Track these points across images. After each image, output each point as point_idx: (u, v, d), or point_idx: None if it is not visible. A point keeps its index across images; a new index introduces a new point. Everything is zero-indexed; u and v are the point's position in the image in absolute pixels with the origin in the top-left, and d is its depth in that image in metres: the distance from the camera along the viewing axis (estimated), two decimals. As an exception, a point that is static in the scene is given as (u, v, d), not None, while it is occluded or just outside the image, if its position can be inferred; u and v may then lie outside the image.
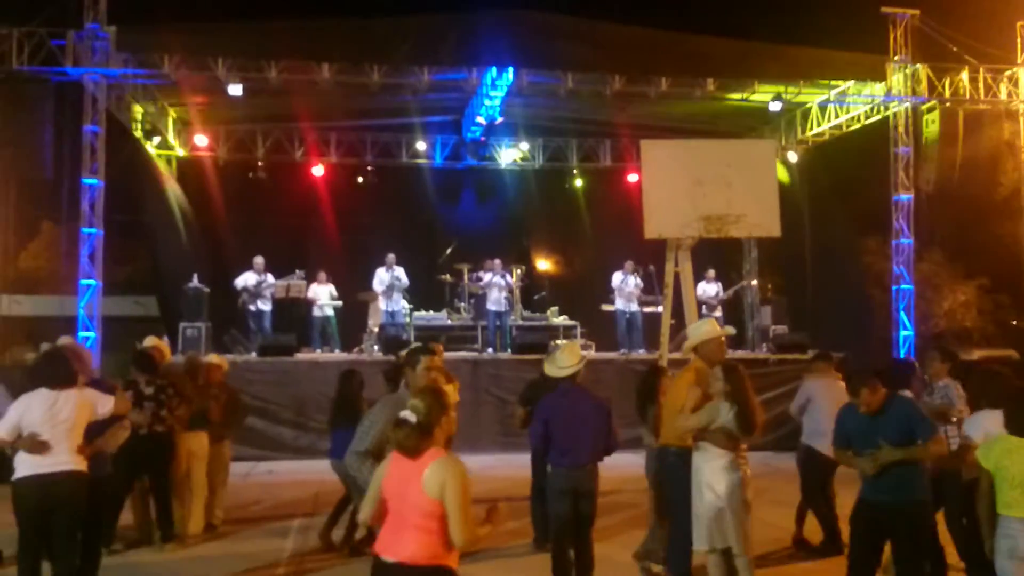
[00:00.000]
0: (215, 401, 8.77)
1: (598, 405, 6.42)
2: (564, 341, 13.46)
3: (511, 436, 12.07)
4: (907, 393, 6.66)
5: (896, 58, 15.81)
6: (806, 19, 19.82)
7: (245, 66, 14.53)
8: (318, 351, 15.66)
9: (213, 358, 9.56)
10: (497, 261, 15.85)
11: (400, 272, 15.73)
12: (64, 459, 5.64)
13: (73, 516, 5.75)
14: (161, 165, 17.34)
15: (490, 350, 15.29)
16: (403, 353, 6.05)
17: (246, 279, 15.35)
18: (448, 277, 16.91)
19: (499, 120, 16.68)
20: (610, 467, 6.73)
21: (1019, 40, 16.52)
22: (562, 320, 16.83)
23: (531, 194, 19.85)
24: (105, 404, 5.97)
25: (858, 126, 17.14)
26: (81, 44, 13.75)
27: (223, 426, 8.96)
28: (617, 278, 15.85)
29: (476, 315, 16.22)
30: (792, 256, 18.17)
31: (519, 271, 17.07)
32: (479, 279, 16.14)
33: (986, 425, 5.92)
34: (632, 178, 18.54)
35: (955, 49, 15.79)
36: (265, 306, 15.41)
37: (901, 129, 16.14)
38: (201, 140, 18.09)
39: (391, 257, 15.78)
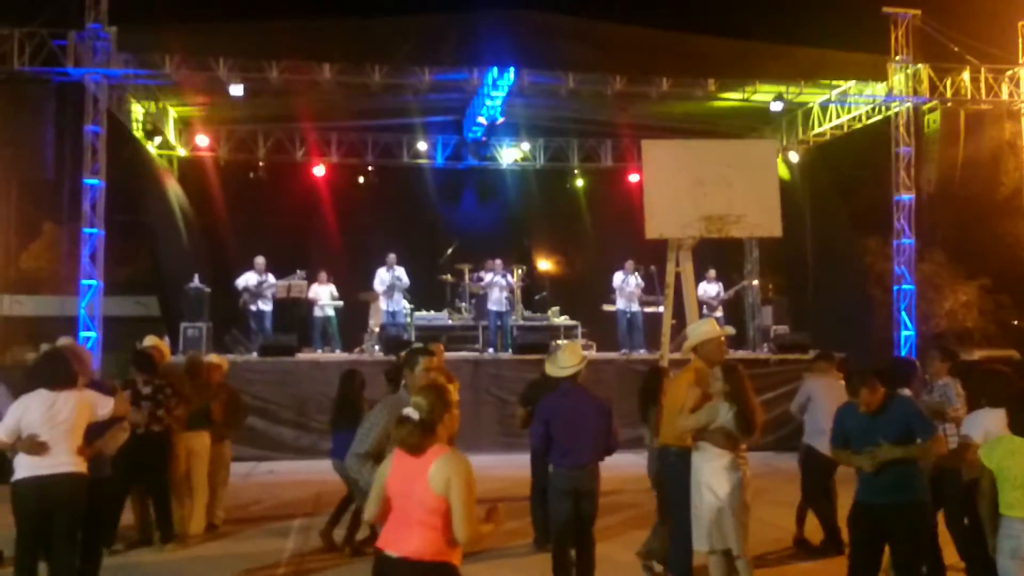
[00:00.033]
0: (217, 401, 8.78)
1: (599, 405, 6.41)
2: (565, 341, 13.46)
3: (512, 436, 12.08)
4: (906, 392, 6.67)
5: (897, 58, 15.81)
6: (807, 19, 19.83)
7: (246, 66, 14.54)
8: (319, 351, 15.66)
9: (213, 358, 9.57)
10: (498, 261, 15.85)
11: (401, 272, 15.73)
12: (64, 460, 5.62)
13: (73, 517, 5.73)
14: (162, 165, 17.34)
15: (491, 350, 15.29)
16: (403, 354, 6.04)
17: (247, 279, 15.36)
18: (449, 277, 16.91)
19: (500, 120, 16.68)
20: (611, 467, 6.73)
21: (1020, 40, 16.52)
22: (563, 320, 16.84)
23: (532, 194, 19.85)
24: (105, 406, 5.94)
25: (859, 126, 17.13)
26: (82, 44, 13.76)
27: (225, 426, 8.97)
28: (618, 278, 15.85)
29: (477, 315, 16.23)
30: (793, 256, 18.17)
31: (520, 271, 17.07)
32: (480, 279, 16.14)
33: (986, 424, 5.91)
34: (633, 178, 18.53)
35: (956, 49, 15.79)
36: (266, 306, 15.41)
37: (902, 129, 16.13)
38: (202, 140, 18.10)
39: (392, 257, 15.78)
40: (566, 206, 20.00)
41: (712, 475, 5.95)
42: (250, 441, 12.74)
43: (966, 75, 16.01)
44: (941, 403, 6.86)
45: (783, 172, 16.83)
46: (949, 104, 16.08)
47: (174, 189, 17.35)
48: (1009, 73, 16.26)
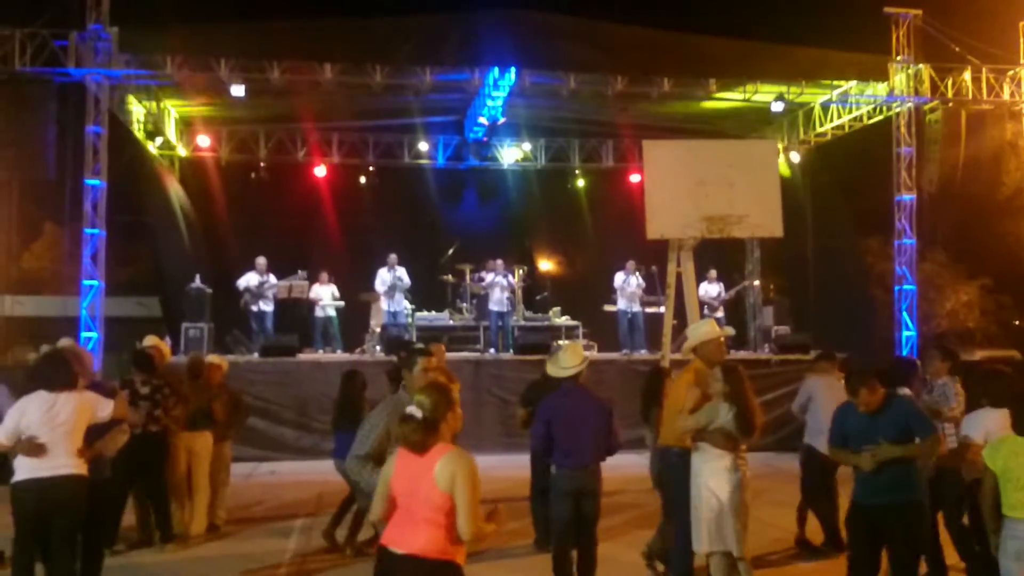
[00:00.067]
0: (218, 401, 8.79)
1: (600, 406, 6.42)
2: (566, 341, 13.47)
3: (513, 437, 12.08)
4: (905, 391, 6.68)
5: (899, 58, 15.80)
6: (808, 19, 19.80)
7: (247, 67, 14.54)
8: (320, 352, 15.67)
9: (213, 359, 9.57)
10: (499, 261, 15.84)
11: (402, 272, 15.72)
12: (63, 462, 5.60)
13: (72, 519, 5.72)
14: (163, 166, 17.35)
15: (492, 350, 15.29)
16: (402, 354, 6.05)
17: (248, 279, 15.36)
18: (450, 277, 16.92)
19: (501, 120, 16.71)
20: (613, 468, 6.73)
21: (1022, 40, 16.51)
22: (564, 320, 16.84)
23: (533, 195, 19.85)
24: (105, 408, 5.91)
25: (860, 126, 17.12)
26: (83, 45, 13.76)
27: (226, 426, 8.98)
28: (619, 278, 15.84)
29: (478, 315, 16.23)
30: (794, 256, 18.17)
31: (521, 271, 17.08)
32: (481, 279, 16.14)
33: (986, 424, 5.92)
34: (634, 178, 18.54)
35: (957, 49, 15.78)
36: (267, 306, 15.42)
37: (903, 129, 16.11)
38: (203, 141, 18.11)
39: (393, 257, 15.78)
40: (567, 206, 20.00)
41: (712, 476, 5.94)
42: (251, 442, 12.75)
43: (967, 75, 15.99)
44: (937, 402, 6.87)
45: (784, 172, 16.83)
46: (950, 104, 16.08)
47: (175, 189, 17.37)
48: (1010, 73, 16.23)
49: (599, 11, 18.00)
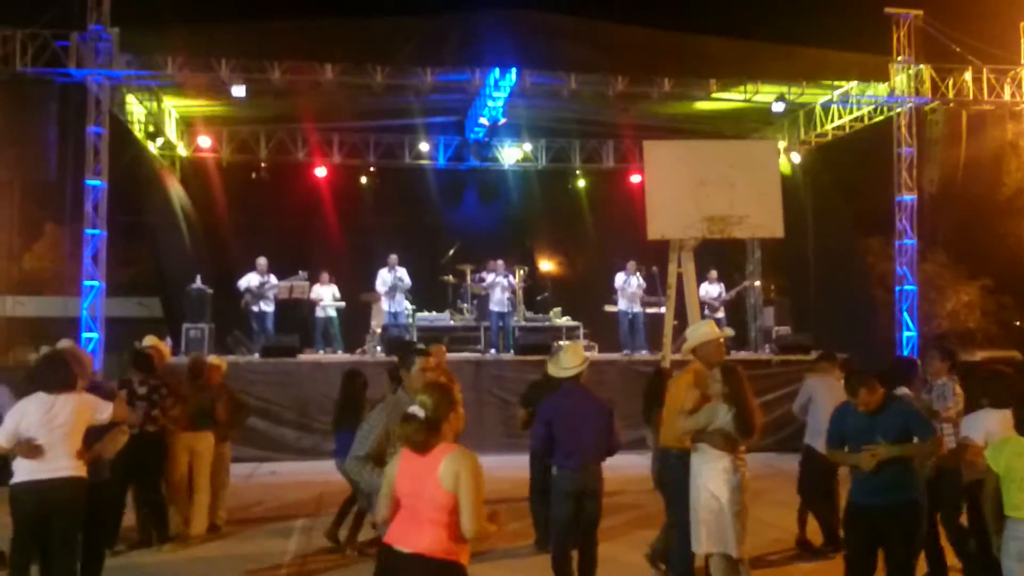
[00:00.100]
0: (220, 401, 8.79)
1: (600, 406, 6.41)
2: (567, 342, 13.46)
3: (514, 437, 12.07)
4: (904, 391, 6.69)
5: (899, 58, 15.80)
6: (809, 19, 19.80)
7: (248, 67, 14.54)
8: (321, 352, 15.66)
9: (212, 359, 9.58)
10: (500, 262, 15.84)
11: (403, 273, 15.72)
12: (63, 465, 5.59)
13: (71, 521, 5.71)
14: (164, 166, 17.35)
15: (493, 351, 15.30)
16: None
17: (249, 280, 15.36)
18: (451, 278, 16.92)
19: (502, 121, 16.72)
20: (614, 468, 6.73)
21: (1022, 40, 16.51)
22: (565, 321, 16.84)
23: (534, 195, 19.84)
24: (104, 410, 5.88)
25: (861, 127, 17.12)
26: (84, 45, 13.77)
27: (228, 426, 8.99)
28: (620, 279, 15.83)
29: (479, 316, 16.23)
30: (795, 257, 18.16)
31: (522, 272, 17.07)
32: (482, 280, 16.14)
33: (987, 425, 5.92)
34: (635, 179, 18.54)
35: (958, 50, 15.78)
36: (268, 307, 15.42)
37: (904, 130, 16.12)
38: (204, 141, 18.12)
39: (393, 258, 15.77)
40: (568, 207, 20.00)
41: (711, 477, 5.93)
42: (252, 442, 12.75)
43: (968, 75, 15.99)
44: (934, 402, 6.87)
45: (785, 172, 16.81)
46: (951, 105, 16.08)
47: (176, 190, 17.37)
48: (1011, 74, 16.23)
49: (600, 11, 17.98)
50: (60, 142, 14.01)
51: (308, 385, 13.61)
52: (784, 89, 16.22)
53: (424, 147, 19.19)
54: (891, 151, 16.20)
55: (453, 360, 12.02)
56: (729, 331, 7.44)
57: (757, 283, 19.47)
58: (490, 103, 16.06)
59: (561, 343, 13.89)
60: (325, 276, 16.11)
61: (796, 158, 18.28)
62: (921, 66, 15.90)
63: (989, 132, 16.25)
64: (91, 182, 14.10)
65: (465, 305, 16.80)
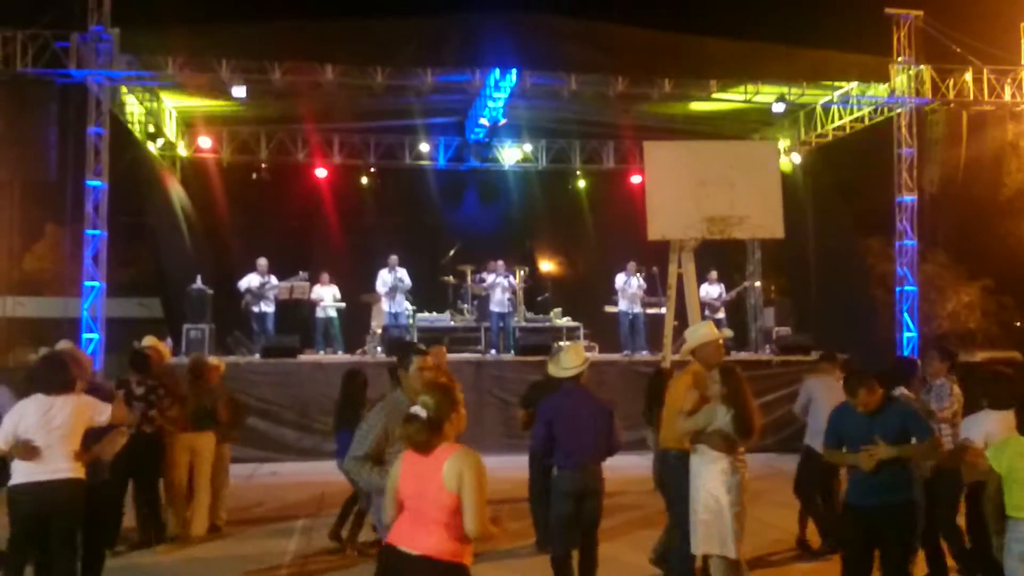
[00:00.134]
0: (222, 402, 8.80)
1: (601, 406, 6.41)
2: (567, 343, 13.47)
3: (514, 438, 12.07)
4: (903, 390, 6.69)
5: (900, 59, 15.80)
6: (809, 20, 19.84)
7: (248, 67, 14.55)
8: (321, 353, 15.66)
9: (211, 360, 9.57)
10: (500, 262, 15.84)
11: (403, 273, 15.71)
12: (61, 466, 5.58)
13: (71, 522, 5.71)
14: (164, 167, 17.35)
15: (493, 351, 15.29)
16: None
17: (249, 281, 15.36)
18: (451, 278, 16.91)
19: (502, 122, 16.71)
20: (615, 468, 6.73)
21: (1023, 41, 16.50)
22: (565, 321, 16.83)
23: (534, 196, 19.84)
24: (103, 412, 5.86)
25: (861, 127, 17.11)
26: (85, 46, 13.77)
27: (230, 427, 8.99)
28: (620, 279, 15.83)
29: (479, 316, 16.23)
30: (795, 257, 18.16)
31: (522, 272, 17.06)
32: (482, 280, 16.14)
33: (987, 427, 5.92)
34: (635, 179, 18.55)
35: (959, 50, 15.77)
36: (268, 308, 15.41)
37: (904, 130, 16.11)
38: (204, 142, 18.13)
39: (394, 258, 15.77)
40: (568, 207, 20.01)
41: (710, 478, 5.93)
42: (252, 442, 12.74)
43: (968, 76, 15.99)
44: (929, 402, 6.89)
45: (785, 173, 16.80)
46: (951, 105, 16.08)
47: (176, 191, 17.37)
48: (1012, 74, 16.23)
49: (600, 12, 18.04)
50: (60, 143, 14.02)
51: (308, 386, 13.61)
52: (784, 90, 16.22)
53: (424, 148, 19.20)
54: (891, 152, 16.20)
55: (453, 360, 12.02)
56: (728, 332, 7.45)
57: (757, 284, 19.47)
58: (490, 104, 16.05)
59: (561, 343, 13.90)
60: (325, 277, 16.12)
61: (796, 159, 18.28)
62: (921, 67, 15.89)
63: (989, 133, 16.25)
64: (91, 183, 14.11)
65: (465, 306, 16.80)
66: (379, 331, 15.67)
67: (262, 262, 15.45)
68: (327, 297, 16.00)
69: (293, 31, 14.50)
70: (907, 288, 16.22)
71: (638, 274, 15.85)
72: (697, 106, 16.93)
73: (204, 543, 8.37)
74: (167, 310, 16.20)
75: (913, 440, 5.54)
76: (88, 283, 14.16)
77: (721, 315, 16.34)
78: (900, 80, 15.88)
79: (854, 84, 16.29)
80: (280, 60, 14.53)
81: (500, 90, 15.57)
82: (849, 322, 16.14)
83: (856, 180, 17.37)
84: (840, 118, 17.29)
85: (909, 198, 16.21)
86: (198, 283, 15.10)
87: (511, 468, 9.58)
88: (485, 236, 18.44)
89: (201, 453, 8.47)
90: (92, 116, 14.04)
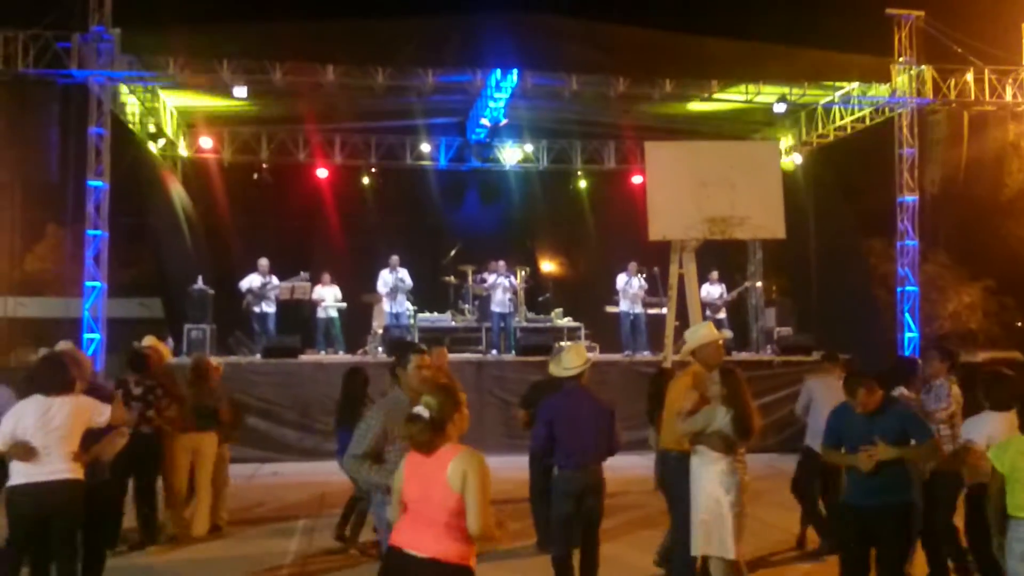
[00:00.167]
0: (225, 402, 8.80)
1: (601, 407, 6.41)
2: (568, 343, 13.46)
3: (515, 438, 12.07)
4: (902, 390, 6.68)
5: (901, 59, 15.79)
6: (810, 20, 19.82)
7: (249, 68, 14.57)
8: (322, 353, 15.67)
9: (210, 360, 9.57)
10: (501, 263, 15.84)
11: (404, 274, 15.70)
12: (59, 467, 5.57)
13: (71, 523, 5.70)
14: (166, 167, 17.36)
15: (494, 352, 15.29)
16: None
17: (251, 281, 15.37)
18: (452, 279, 16.91)
19: (503, 122, 16.71)
20: (616, 469, 6.73)
21: (1024, 41, 16.52)
22: (566, 322, 16.83)
23: (535, 196, 19.84)
24: (102, 413, 5.85)
25: (863, 127, 17.11)
26: (86, 46, 13.78)
27: (231, 427, 8.99)
28: (621, 280, 15.83)
29: (480, 317, 16.23)
30: (797, 258, 18.15)
31: (523, 273, 17.06)
32: (483, 281, 16.14)
33: (989, 428, 5.92)
34: (636, 180, 18.56)
35: (960, 50, 15.77)
36: (269, 308, 15.41)
37: (906, 130, 16.10)
38: (205, 142, 18.13)
39: (395, 259, 15.77)
40: (569, 208, 20.02)
41: (709, 479, 5.92)
42: (254, 443, 12.75)
43: (970, 76, 15.99)
44: (928, 402, 6.89)
45: (787, 172, 16.80)
46: (953, 105, 16.08)
47: (178, 191, 17.38)
48: (1013, 74, 16.22)
49: (601, 12, 18.03)
50: (62, 143, 14.03)
51: (310, 386, 13.60)
52: (785, 90, 16.22)
53: (425, 148, 19.20)
54: (893, 152, 16.19)
55: (454, 361, 12.01)
56: (727, 333, 7.45)
57: (758, 284, 19.47)
58: (491, 104, 16.05)
59: (562, 344, 13.90)
60: (327, 277, 16.13)
61: (798, 159, 18.27)
62: (923, 67, 15.89)
63: (991, 133, 16.26)
64: (93, 183, 14.11)
65: (466, 306, 16.79)
66: (380, 331, 15.68)
67: (263, 262, 15.45)
68: (328, 297, 16.02)
69: (294, 31, 14.51)
70: (908, 288, 16.21)
71: (639, 274, 15.85)
72: (698, 106, 16.91)
73: (205, 543, 8.37)
74: (168, 310, 16.21)
75: (912, 442, 5.54)
76: (89, 283, 14.16)
77: (722, 315, 16.34)
78: (901, 80, 15.88)
79: (855, 84, 16.29)
80: (281, 60, 14.54)
81: (501, 90, 15.57)
82: (850, 322, 16.13)
83: (857, 180, 17.35)
84: (841, 118, 17.29)
85: (910, 198, 16.20)
86: (199, 283, 15.11)
87: (512, 468, 9.57)
88: (486, 236, 18.44)
89: (203, 453, 8.48)
90: (93, 116, 14.03)
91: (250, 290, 15.31)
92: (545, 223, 20.02)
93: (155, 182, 16.61)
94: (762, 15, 20.97)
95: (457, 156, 19.53)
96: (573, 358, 6.44)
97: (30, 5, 13.93)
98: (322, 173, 18.82)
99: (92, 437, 5.94)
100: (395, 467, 4.65)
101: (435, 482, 3.82)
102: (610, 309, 16.17)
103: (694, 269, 12.89)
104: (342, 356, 15.41)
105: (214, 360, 9.61)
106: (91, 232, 14.17)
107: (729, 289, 16.94)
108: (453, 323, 16.53)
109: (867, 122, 16.99)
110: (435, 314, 16.75)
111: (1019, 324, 22.64)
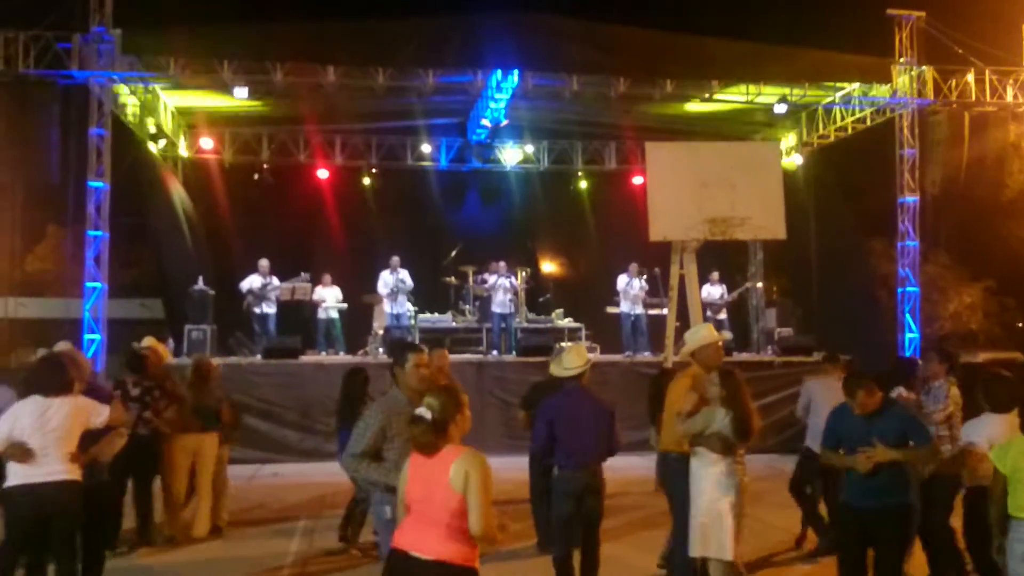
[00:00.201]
0: (226, 403, 8.80)
1: (602, 407, 6.41)
2: (569, 343, 13.45)
3: (516, 439, 12.06)
4: (901, 390, 6.66)
5: (902, 60, 15.79)
6: (811, 21, 19.79)
7: (250, 69, 14.58)
8: (323, 353, 15.68)
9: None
10: (502, 263, 15.84)
11: (404, 275, 15.69)
12: (57, 468, 5.56)
13: (69, 524, 5.69)
14: (166, 168, 17.36)
15: (495, 352, 15.29)
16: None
17: (251, 282, 15.36)
18: (453, 279, 16.90)
19: (504, 122, 16.72)
20: (616, 469, 6.73)
21: (1025, 42, 16.51)
22: (567, 322, 16.82)
23: (536, 196, 19.84)
24: (100, 414, 5.83)
25: (863, 128, 17.10)
26: (87, 47, 13.79)
27: (232, 427, 8.99)
28: (622, 280, 15.82)
29: (481, 317, 16.23)
30: (797, 258, 18.15)
31: (524, 273, 17.05)
32: (484, 281, 16.14)
33: (990, 430, 5.91)
34: (637, 180, 18.56)
35: (960, 51, 15.77)
36: (270, 308, 15.41)
37: (906, 131, 16.10)
38: (206, 143, 18.14)
39: (395, 260, 15.76)
40: (570, 208, 20.02)
41: (709, 481, 5.91)
42: (254, 443, 12.76)
43: (970, 77, 15.99)
44: (927, 403, 6.89)
45: (788, 172, 16.79)
46: (953, 106, 16.08)
47: (178, 191, 17.38)
48: (1014, 75, 16.22)
49: (601, 12, 18.02)
50: (62, 144, 14.04)
51: (310, 386, 13.59)
52: (786, 90, 16.23)
53: (426, 149, 19.21)
54: (893, 152, 16.19)
55: (455, 361, 11.98)
56: (727, 334, 7.45)
57: (759, 284, 19.46)
58: (492, 104, 16.06)
59: (563, 344, 13.89)
60: (327, 278, 16.13)
61: (798, 159, 18.26)
62: (923, 67, 15.89)
63: (991, 133, 16.27)
64: (93, 184, 14.12)
65: (467, 307, 16.79)
66: (381, 332, 15.67)
67: (264, 263, 15.44)
68: (329, 298, 16.02)
69: (294, 32, 14.51)
70: (909, 289, 16.21)
71: (640, 275, 15.84)
72: (698, 107, 16.91)
73: (206, 544, 8.37)
74: (169, 311, 16.21)
75: (911, 444, 5.53)
76: (90, 284, 14.17)
77: (723, 316, 16.35)
78: (902, 81, 15.88)
79: (856, 85, 16.29)
80: (281, 61, 14.55)
81: (502, 91, 15.57)
82: (851, 323, 16.13)
83: (858, 181, 17.34)
84: (842, 119, 17.29)
85: (911, 199, 16.20)
86: (200, 284, 15.10)
87: (512, 469, 9.57)
88: (487, 237, 18.44)
89: (205, 454, 8.47)
90: (94, 117, 14.04)
91: (251, 291, 15.30)
92: (546, 224, 20.01)
93: (156, 183, 16.61)
94: (762, 15, 20.96)
95: (458, 157, 19.54)
96: (574, 358, 6.45)
97: (31, 6, 13.94)
98: (323, 174, 18.83)
99: (91, 438, 5.93)
100: (394, 465, 4.67)
101: (437, 483, 3.82)
102: (611, 310, 16.17)
103: (695, 270, 12.88)
104: (343, 357, 15.41)
105: (214, 361, 9.61)
106: (92, 233, 14.18)
107: (730, 290, 16.94)
108: (454, 324, 16.53)
109: (868, 123, 16.98)
110: (436, 315, 16.75)
111: (1020, 325, 22.60)
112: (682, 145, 14.28)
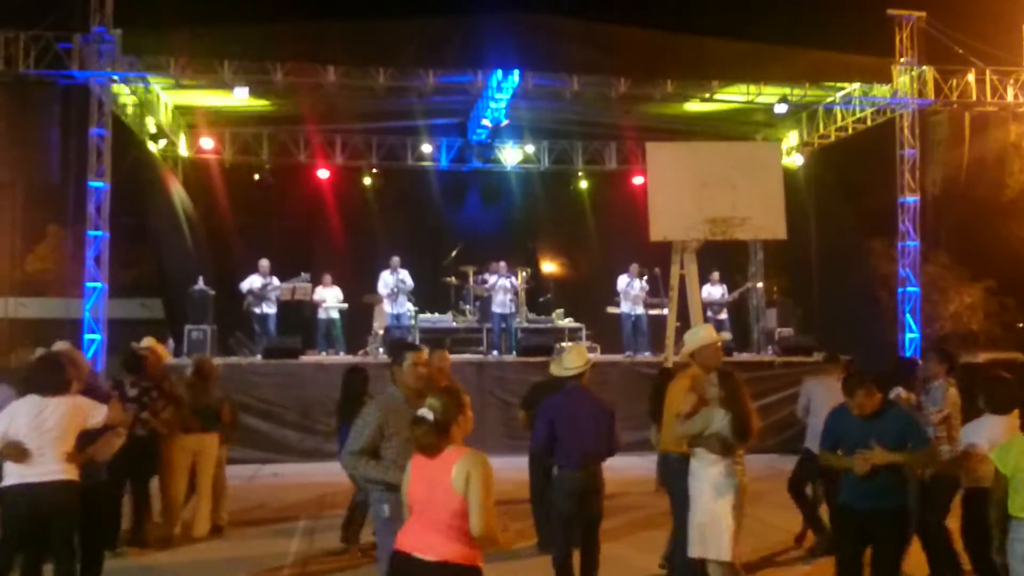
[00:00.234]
0: (227, 403, 8.79)
1: (602, 407, 6.41)
2: (570, 343, 13.45)
3: (516, 439, 12.05)
4: (900, 390, 6.66)
5: (902, 60, 15.78)
6: (812, 21, 19.79)
7: (250, 68, 14.58)
8: (323, 354, 15.68)
9: (209, 361, 9.56)
10: (502, 263, 15.84)
11: (405, 275, 15.69)
12: (53, 468, 5.55)
13: (67, 523, 5.69)
14: (167, 168, 17.36)
15: (495, 352, 15.29)
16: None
17: (251, 282, 15.36)
18: (453, 279, 16.90)
19: (504, 122, 16.73)
20: (616, 469, 6.74)
21: (1026, 42, 16.51)
22: (567, 322, 16.82)
23: (536, 197, 19.84)
24: (97, 414, 5.82)
25: (864, 128, 17.09)
26: (87, 47, 13.79)
27: (232, 427, 8.99)
28: (622, 281, 15.82)
29: (481, 318, 16.23)
30: (798, 258, 18.15)
31: (524, 273, 17.04)
32: (484, 281, 16.14)
33: (990, 431, 5.91)
34: (637, 180, 18.56)
35: (961, 51, 15.76)
36: (270, 309, 15.41)
37: (907, 131, 16.08)
38: (206, 142, 18.13)
39: (396, 260, 15.76)
40: (570, 208, 20.01)
41: (708, 482, 5.90)
42: (254, 443, 12.77)
43: (971, 77, 15.98)
44: (926, 403, 6.89)
45: (788, 173, 16.78)
46: (954, 106, 16.07)
47: (178, 191, 17.38)
48: (1014, 75, 16.21)
49: (601, 12, 18.02)
50: (63, 144, 14.04)
51: (310, 386, 13.59)
52: (787, 90, 16.21)
53: (426, 149, 19.20)
54: (894, 152, 16.17)
55: (455, 362, 11.96)
56: (727, 335, 7.45)
57: (760, 285, 19.46)
58: (492, 105, 16.06)
59: (563, 344, 13.89)
60: (327, 278, 16.13)
61: (799, 159, 18.26)
62: (924, 68, 15.88)
63: (992, 134, 16.26)
64: (93, 184, 14.11)
65: (467, 307, 16.79)
66: (381, 332, 15.67)
67: (264, 263, 15.44)
68: (329, 298, 16.02)
69: (294, 32, 14.50)
70: (909, 289, 16.20)
71: (640, 275, 15.85)
72: (699, 107, 16.90)
73: (206, 544, 8.37)
74: (169, 311, 16.21)
75: (909, 446, 5.53)
76: (90, 284, 14.16)
77: (723, 316, 16.35)
78: (902, 81, 15.87)
79: (856, 85, 16.28)
80: (282, 61, 14.54)
81: (502, 91, 15.57)
82: (851, 323, 16.12)
83: (858, 181, 17.34)
84: (842, 119, 17.27)
85: (912, 199, 16.19)
86: (200, 284, 15.10)
87: (513, 469, 9.57)
88: (487, 237, 18.44)
89: (206, 454, 8.48)
90: (94, 117, 14.04)
91: (251, 291, 15.30)
92: (546, 224, 20.02)
93: (156, 183, 16.60)
94: (762, 15, 20.96)
95: (458, 157, 19.53)
96: (574, 358, 6.45)
97: (31, 6, 13.94)
98: (323, 174, 18.83)
99: (89, 438, 5.92)
100: (392, 463, 4.66)
101: (439, 484, 3.82)
102: (611, 310, 16.16)
103: (695, 270, 12.88)
104: (343, 357, 15.40)
105: (213, 361, 9.61)
106: (92, 233, 14.17)
107: (730, 290, 16.94)
108: (454, 324, 16.53)
109: (868, 123, 16.97)
110: (436, 315, 16.75)
111: (1020, 325, 22.59)
112: (682, 145, 14.28)
